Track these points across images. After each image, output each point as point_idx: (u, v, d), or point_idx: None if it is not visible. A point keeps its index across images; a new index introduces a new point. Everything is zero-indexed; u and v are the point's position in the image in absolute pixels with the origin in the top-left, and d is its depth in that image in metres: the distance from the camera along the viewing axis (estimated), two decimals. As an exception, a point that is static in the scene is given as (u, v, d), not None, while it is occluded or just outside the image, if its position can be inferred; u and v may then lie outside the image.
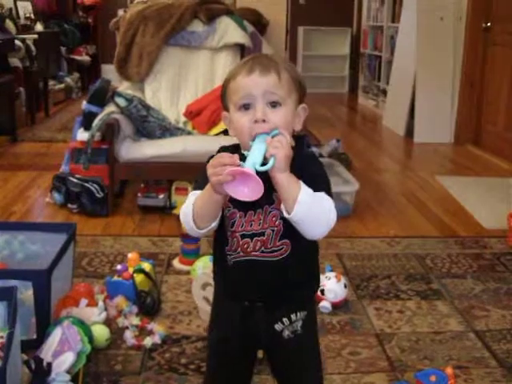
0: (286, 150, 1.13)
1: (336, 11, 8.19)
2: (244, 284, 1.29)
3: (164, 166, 3.29)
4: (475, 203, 3.74)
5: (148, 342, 2.07)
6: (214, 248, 1.36)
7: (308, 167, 1.23)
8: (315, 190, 1.17)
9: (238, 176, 1.11)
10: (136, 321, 2.19)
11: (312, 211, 1.15)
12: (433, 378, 1.80)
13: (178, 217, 3.18)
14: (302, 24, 8.20)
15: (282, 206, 1.17)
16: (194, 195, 1.25)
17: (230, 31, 3.68)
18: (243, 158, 1.14)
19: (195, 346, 2.09)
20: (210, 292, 2.24)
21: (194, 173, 3.32)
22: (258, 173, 1.10)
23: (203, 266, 2.45)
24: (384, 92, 6.75)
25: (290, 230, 1.21)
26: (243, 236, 1.25)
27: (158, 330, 2.13)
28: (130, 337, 2.09)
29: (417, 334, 2.23)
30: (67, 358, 1.78)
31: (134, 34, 3.62)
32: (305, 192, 1.14)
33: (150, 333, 2.13)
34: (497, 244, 3.12)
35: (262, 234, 1.23)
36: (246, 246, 1.25)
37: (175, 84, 3.75)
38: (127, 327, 2.15)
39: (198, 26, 3.71)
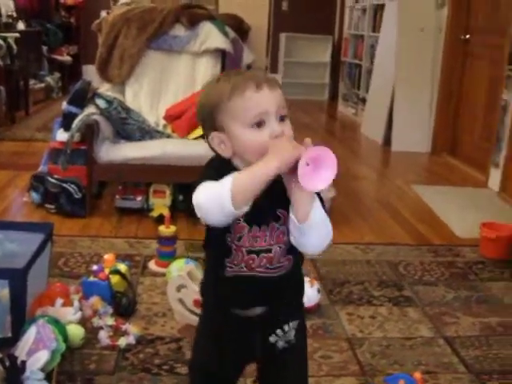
0: None
1: (318, 19, 8.26)
2: (240, 297, 1.28)
3: (143, 169, 3.30)
4: (449, 212, 3.81)
5: (122, 342, 2.09)
6: (209, 258, 1.34)
7: None
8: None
9: (311, 162, 1.10)
10: (110, 321, 2.20)
11: (322, 221, 1.17)
12: (401, 383, 1.84)
13: (155, 219, 3.24)
14: (284, 30, 8.26)
15: (292, 216, 1.16)
16: (214, 184, 1.15)
17: (211, 36, 3.71)
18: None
19: (169, 348, 2.12)
20: (184, 294, 2.26)
21: (173, 176, 3.38)
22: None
23: (178, 269, 2.47)
24: (363, 100, 6.83)
25: (294, 246, 1.22)
26: (249, 252, 1.23)
27: (133, 330, 2.15)
28: (104, 337, 2.10)
29: (387, 339, 2.27)
30: (42, 356, 1.79)
31: (117, 36, 3.64)
32: (317, 203, 1.16)
33: (125, 333, 2.15)
34: (469, 253, 3.18)
35: (269, 250, 1.23)
36: (251, 261, 1.23)
37: (156, 87, 3.76)
38: (102, 327, 2.17)
39: (180, 31, 3.74)
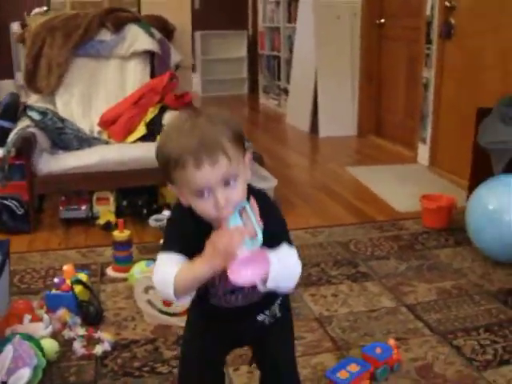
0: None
1: (231, 15, 8.33)
2: (225, 313, 1.39)
3: (84, 177, 3.24)
4: (385, 189, 3.97)
5: (98, 349, 2.07)
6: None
7: (270, 216, 1.26)
8: (279, 240, 1.24)
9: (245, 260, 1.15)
10: (82, 331, 2.17)
11: (283, 278, 1.21)
12: (378, 350, 1.93)
13: (102, 226, 3.20)
14: (198, 29, 8.25)
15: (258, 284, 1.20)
16: (167, 259, 1.26)
17: (138, 38, 3.69)
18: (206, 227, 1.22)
19: (145, 349, 2.11)
20: (153, 295, 2.27)
21: (115, 182, 3.33)
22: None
23: (141, 271, 2.47)
24: (285, 91, 6.94)
25: None
26: (225, 293, 1.34)
27: (107, 337, 2.13)
28: (78, 347, 2.08)
29: (353, 313, 2.36)
30: (24, 374, 1.77)
31: (42, 46, 3.55)
32: (273, 265, 1.18)
33: (99, 341, 2.13)
34: (412, 225, 3.34)
35: (242, 288, 1.30)
36: (227, 299, 1.34)
37: (86, 94, 3.70)
38: (74, 338, 2.14)
39: (106, 35, 3.69)
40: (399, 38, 5.03)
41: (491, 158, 2.96)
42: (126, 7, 3.88)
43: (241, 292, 1.33)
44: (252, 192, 1.27)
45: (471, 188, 3.18)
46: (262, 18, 7.77)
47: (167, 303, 2.25)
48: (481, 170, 3.14)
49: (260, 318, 1.41)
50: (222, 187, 1.17)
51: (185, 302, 1.34)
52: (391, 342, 2.00)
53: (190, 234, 1.25)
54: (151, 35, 3.72)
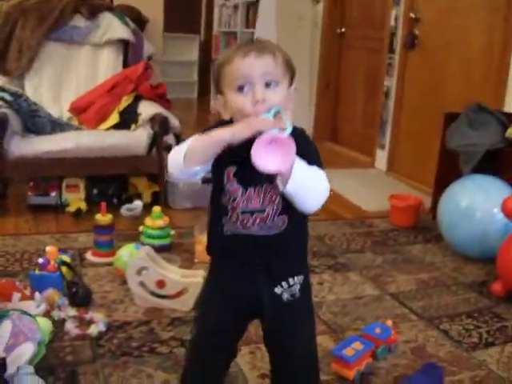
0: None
1: (183, 18, 8.31)
2: (242, 253, 1.33)
3: (57, 163, 3.16)
4: (350, 191, 4.05)
5: (94, 330, 2.02)
6: (210, 216, 1.38)
7: (302, 143, 1.25)
8: (309, 164, 1.24)
9: (269, 142, 1.15)
10: (73, 312, 2.12)
11: (306, 185, 1.21)
12: (378, 330, 1.98)
13: (73, 213, 3.12)
14: (150, 30, 8.21)
15: (278, 181, 1.21)
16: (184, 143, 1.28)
17: (113, 27, 3.64)
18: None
19: (141, 330, 2.08)
20: (145, 276, 2.24)
21: (88, 168, 3.27)
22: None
23: (129, 254, 2.43)
24: (239, 95, 6.96)
25: (287, 206, 1.28)
26: (243, 212, 1.29)
27: (100, 318, 2.09)
28: (72, 327, 2.02)
29: (341, 300, 2.41)
30: (27, 349, 1.69)
31: (13, 28, 3.44)
32: (299, 166, 1.20)
33: (90, 322, 2.08)
34: (381, 223, 3.44)
35: (263, 211, 1.29)
36: (245, 221, 1.29)
37: (57, 80, 3.61)
38: (65, 319, 2.08)
39: (80, 21, 3.61)
40: (360, 47, 5.18)
41: (460, 160, 3.09)
42: (100, -5, 3.82)
43: (260, 213, 1.28)
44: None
45: (437, 188, 3.32)
46: (217, 22, 7.79)
47: (161, 284, 2.22)
48: (446, 172, 3.29)
49: (277, 290, 1.35)
50: (263, 85, 1.22)
51: (186, 175, 1.27)
52: (389, 322, 2.06)
53: None
54: (126, 24, 3.68)
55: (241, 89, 1.23)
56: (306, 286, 1.42)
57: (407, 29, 4.32)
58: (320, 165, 1.28)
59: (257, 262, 1.33)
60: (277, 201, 1.29)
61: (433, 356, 2.01)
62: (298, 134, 1.25)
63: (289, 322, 1.40)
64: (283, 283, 1.36)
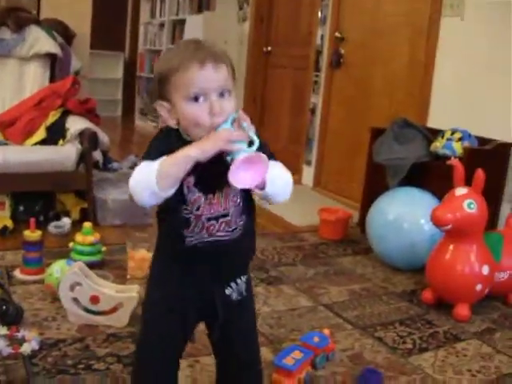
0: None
1: (107, 36, 8.21)
2: (201, 258, 1.33)
3: (-19, 179, 3.04)
4: (278, 206, 4.03)
5: (26, 348, 1.94)
6: (165, 232, 1.37)
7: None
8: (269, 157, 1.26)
9: (244, 162, 1.16)
10: (4, 330, 2.03)
11: (279, 182, 1.26)
12: (316, 339, 2.01)
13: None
14: (73, 47, 8.07)
15: (255, 188, 1.23)
16: (148, 165, 1.23)
17: (40, 41, 3.54)
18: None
19: (75, 348, 2.02)
20: (79, 292, 2.18)
21: (14, 185, 3.16)
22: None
23: (61, 270, 2.36)
24: (165, 113, 6.91)
25: (247, 206, 1.33)
26: (209, 219, 1.30)
27: (33, 336, 2.01)
28: (3, 346, 1.94)
29: (276, 312, 2.43)
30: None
31: None
32: (270, 167, 1.21)
33: (22, 341, 2.00)
34: (310, 237, 3.50)
35: (226, 214, 1.31)
36: (211, 228, 1.30)
37: (-20, 93, 3.49)
38: (-5, 338, 1.99)
39: (5, 34, 3.50)
40: (286, 65, 5.29)
41: (387, 173, 3.21)
42: (28, 8, 3.72)
43: (225, 217, 1.30)
44: None
45: (365, 202, 3.42)
46: (142, 40, 7.75)
47: (94, 300, 2.17)
48: (373, 186, 3.40)
49: (228, 291, 1.38)
50: (218, 96, 1.21)
51: (161, 199, 1.22)
52: (326, 331, 2.09)
53: (175, 151, 1.22)
54: (53, 38, 3.61)
55: (195, 99, 1.21)
56: (249, 285, 1.46)
57: (333, 47, 4.46)
58: (275, 158, 1.31)
59: (212, 266, 1.34)
60: (238, 202, 1.32)
61: (370, 362, 2.06)
62: None
63: (238, 319, 1.43)
64: (232, 284, 1.39)
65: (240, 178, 1.16)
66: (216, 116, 1.21)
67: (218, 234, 1.31)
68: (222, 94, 1.22)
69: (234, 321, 1.42)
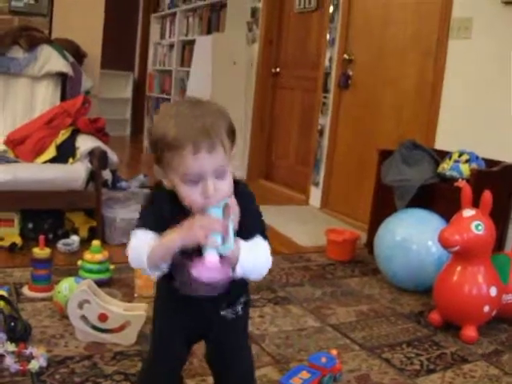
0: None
1: (117, 56, 8.30)
2: (199, 302, 1.38)
3: (-8, 196, 3.07)
4: (285, 227, 4.11)
5: (34, 365, 1.95)
6: (160, 279, 1.41)
7: (245, 205, 1.31)
8: (254, 231, 1.31)
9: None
10: (12, 347, 2.04)
11: (251, 267, 1.28)
12: (324, 360, 2.01)
13: (8, 248, 3.02)
14: (83, 66, 8.16)
15: None
16: (143, 234, 1.30)
17: (51, 60, 3.60)
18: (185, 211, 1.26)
19: (83, 365, 2.02)
20: (87, 310, 2.19)
21: (23, 202, 3.19)
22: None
23: (69, 288, 2.37)
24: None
25: None
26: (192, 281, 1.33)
27: (41, 352, 2.02)
28: (12, 362, 1.95)
29: (284, 332, 2.43)
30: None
31: None
32: (244, 253, 1.25)
33: (30, 357, 2.01)
34: (318, 257, 3.50)
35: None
36: (195, 287, 1.31)
37: (-8, 111, 3.54)
38: (3, 355, 2.00)
39: (18, 53, 3.56)
40: (294, 87, 5.33)
41: (395, 195, 3.22)
42: (40, 28, 3.78)
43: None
44: (239, 186, 1.33)
45: (372, 223, 3.42)
46: (152, 60, 7.83)
47: (102, 318, 2.18)
48: (381, 207, 3.40)
49: (223, 312, 1.43)
50: (213, 177, 1.22)
51: (159, 273, 1.33)
52: (334, 351, 2.09)
53: (167, 216, 1.28)
54: (64, 58, 3.66)
55: (189, 181, 1.22)
56: (247, 306, 1.50)
57: (341, 69, 4.49)
58: (263, 231, 1.34)
59: (206, 302, 1.39)
60: None
61: (378, 383, 2.05)
62: (240, 193, 1.31)
63: (232, 337, 1.49)
64: (228, 309, 1.45)
65: (203, 275, 1.20)
66: (210, 198, 1.22)
67: (202, 293, 1.34)
68: (218, 175, 1.23)
69: (228, 337, 1.48)
